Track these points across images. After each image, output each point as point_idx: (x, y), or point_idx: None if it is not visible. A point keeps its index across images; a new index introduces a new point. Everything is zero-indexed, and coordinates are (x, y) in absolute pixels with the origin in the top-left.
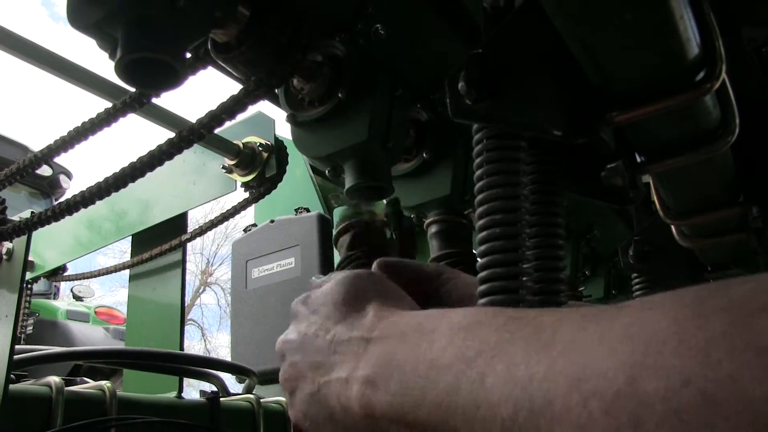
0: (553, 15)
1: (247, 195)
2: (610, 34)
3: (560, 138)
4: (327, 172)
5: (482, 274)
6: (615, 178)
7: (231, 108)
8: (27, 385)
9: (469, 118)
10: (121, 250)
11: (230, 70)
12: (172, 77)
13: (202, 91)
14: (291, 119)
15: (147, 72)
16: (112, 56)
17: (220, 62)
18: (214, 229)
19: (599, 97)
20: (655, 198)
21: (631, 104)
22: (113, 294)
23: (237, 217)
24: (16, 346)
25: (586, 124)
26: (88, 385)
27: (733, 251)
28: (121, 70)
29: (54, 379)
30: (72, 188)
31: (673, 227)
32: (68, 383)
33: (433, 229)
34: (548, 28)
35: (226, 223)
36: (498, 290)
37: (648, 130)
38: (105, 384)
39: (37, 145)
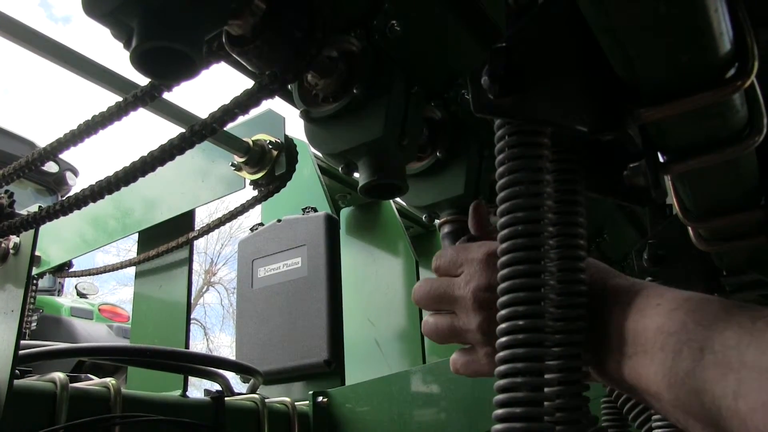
0: (584, 7)
1: (255, 194)
2: (642, 28)
3: (586, 134)
4: (340, 168)
5: (504, 271)
6: (638, 177)
7: (245, 102)
8: (32, 381)
9: (491, 113)
10: (125, 249)
11: (244, 64)
12: (189, 67)
13: (208, 93)
14: (305, 115)
15: (162, 62)
16: (127, 46)
17: (234, 55)
18: (218, 229)
19: (627, 92)
20: (674, 200)
21: (660, 100)
22: (113, 293)
23: (242, 217)
24: (21, 342)
25: (613, 120)
26: (92, 382)
27: (751, 255)
28: (136, 60)
29: (59, 376)
30: (78, 186)
31: (690, 230)
32: (73, 380)
33: (445, 229)
34: (575, 22)
35: (230, 223)
36: (519, 287)
37: (673, 128)
38: (110, 381)
39: (43, 141)
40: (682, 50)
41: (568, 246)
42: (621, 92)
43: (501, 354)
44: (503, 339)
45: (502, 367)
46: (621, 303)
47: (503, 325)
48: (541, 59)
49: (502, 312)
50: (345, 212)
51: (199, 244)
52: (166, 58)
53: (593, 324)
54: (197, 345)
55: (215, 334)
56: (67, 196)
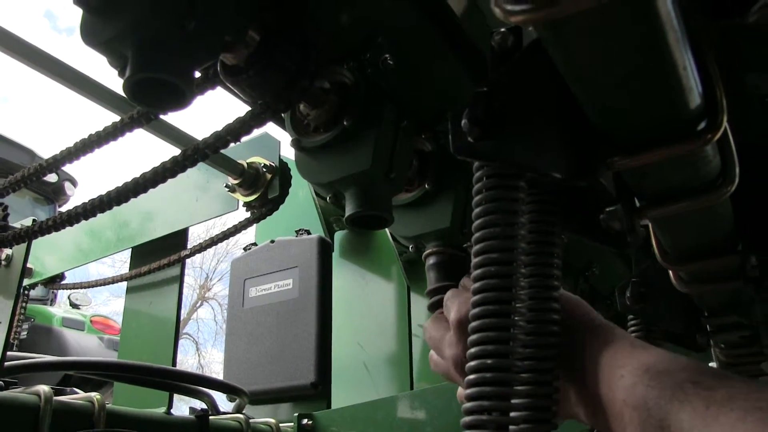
0: (557, 59)
1: (248, 215)
2: (612, 83)
3: (561, 180)
4: (328, 198)
5: (475, 310)
6: (614, 221)
7: (236, 130)
8: (15, 393)
9: (470, 155)
10: (121, 260)
11: (238, 93)
12: (180, 98)
13: (213, 101)
14: (295, 144)
15: (155, 92)
16: (121, 74)
17: (228, 84)
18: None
19: (601, 141)
20: (653, 242)
21: (632, 150)
22: (106, 304)
23: (238, 234)
24: (8, 353)
25: (588, 168)
26: (77, 396)
27: (731, 298)
28: (129, 89)
29: (43, 388)
30: (76, 195)
31: (671, 272)
32: (58, 393)
33: (431, 260)
34: (554, 71)
35: (227, 239)
36: (490, 327)
37: (648, 175)
38: (94, 396)
39: (44, 149)
40: (653, 105)
41: (540, 287)
42: (596, 140)
43: (470, 377)
44: (472, 377)
45: (469, 390)
46: (592, 369)
47: (472, 363)
48: (521, 105)
49: (472, 350)
50: (339, 235)
51: (195, 258)
52: (159, 88)
53: (575, 367)
54: (188, 360)
55: (207, 349)
56: (60, 211)
